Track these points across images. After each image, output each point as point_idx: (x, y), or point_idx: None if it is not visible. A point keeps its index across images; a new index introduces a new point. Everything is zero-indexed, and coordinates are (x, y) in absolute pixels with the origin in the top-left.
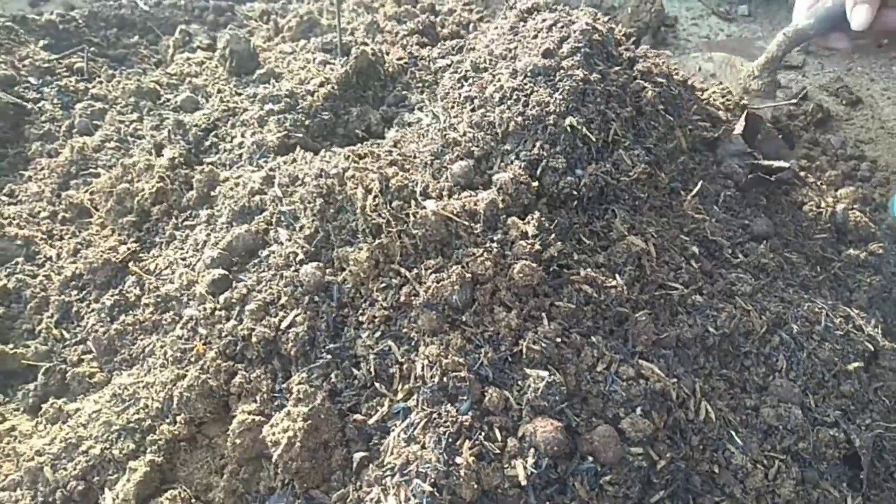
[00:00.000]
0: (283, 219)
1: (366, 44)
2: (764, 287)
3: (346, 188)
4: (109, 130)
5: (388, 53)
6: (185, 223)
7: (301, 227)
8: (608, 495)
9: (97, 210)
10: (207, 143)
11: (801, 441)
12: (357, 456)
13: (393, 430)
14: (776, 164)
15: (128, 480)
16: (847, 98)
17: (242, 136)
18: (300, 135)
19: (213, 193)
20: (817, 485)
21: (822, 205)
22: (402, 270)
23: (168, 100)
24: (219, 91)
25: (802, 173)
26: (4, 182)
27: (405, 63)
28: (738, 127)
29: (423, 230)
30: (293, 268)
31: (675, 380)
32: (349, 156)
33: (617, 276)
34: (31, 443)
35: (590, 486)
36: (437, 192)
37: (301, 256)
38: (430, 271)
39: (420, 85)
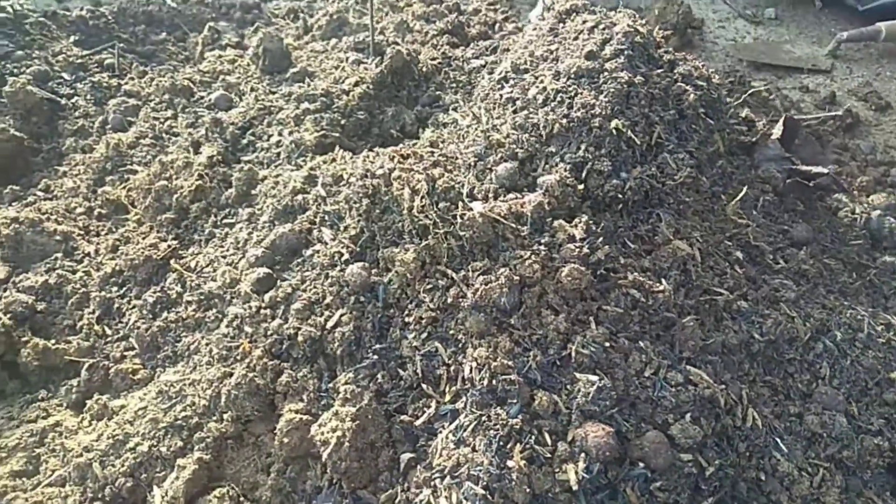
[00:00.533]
0: (327, 218)
1: (399, 44)
2: (805, 293)
3: (392, 189)
4: (144, 127)
5: (420, 53)
6: (225, 221)
7: (346, 227)
8: (658, 501)
9: (134, 206)
10: (244, 142)
11: (845, 449)
12: (404, 457)
13: (441, 432)
14: (815, 169)
15: (176, 478)
16: (876, 103)
17: (280, 134)
18: (336, 134)
19: (252, 192)
20: (861, 493)
21: (857, 211)
22: (449, 272)
23: (202, 97)
24: (252, 89)
25: None
26: (39, 177)
27: (438, 63)
28: (776, 131)
29: (470, 232)
30: (338, 267)
31: (722, 386)
32: (394, 156)
33: (663, 280)
34: (77, 439)
35: (640, 491)
36: (482, 193)
37: (346, 256)
38: (477, 273)
39: (454, 85)
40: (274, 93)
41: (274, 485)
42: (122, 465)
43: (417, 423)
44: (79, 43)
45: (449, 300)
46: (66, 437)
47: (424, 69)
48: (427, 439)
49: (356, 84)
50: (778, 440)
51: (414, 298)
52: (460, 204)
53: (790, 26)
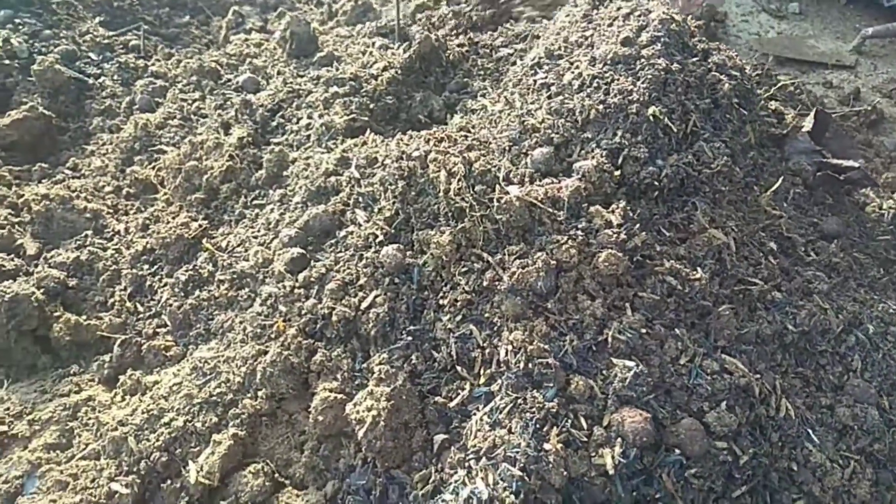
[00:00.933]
0: (360, 200)
1: (429, 30)
2: (836, 286)
3: (428, 171)
4: (172, 108)
5: (447, 40)
6: (255, 202)
7: (380, 209)
8: (693, 488)
9: (163, 186)
10: (274, 124)
11: (876, 442)
12: (438, 438)
13: (475, 414)
14: (846, 163)
15: (212, 453)
16: None
17: (309, 117)
18: (365, 118)
19: (282, 173)
20: (892, 487)
21: (885, 206)
22: (485, 255)
23: (229, 80)
24: (279, 73)
25: None
26: (67, 156)
27: (466, 50)
28: (807, 124)
29: (506, 216)
30: (373, 249)
31: (757, 375)
32: (429, 139)
33: (698, 268)
34: (111, 413)
35: (675, 478)
36: (518, 177)
37: (381, 238)
38: (513, 257)
39: (482, 72)
40: (302, 76)
41: (308, 462)
42: (157, 440)
43: (451, 404)
44: (103, 24)
45: (484, 283)
46: (99, 412)
47: (452, 56)
48: (461, 421)
49: (384, 69)
50: (810, 431)
51: (449, 281)
52: (497, 187)
53: (814, 21)
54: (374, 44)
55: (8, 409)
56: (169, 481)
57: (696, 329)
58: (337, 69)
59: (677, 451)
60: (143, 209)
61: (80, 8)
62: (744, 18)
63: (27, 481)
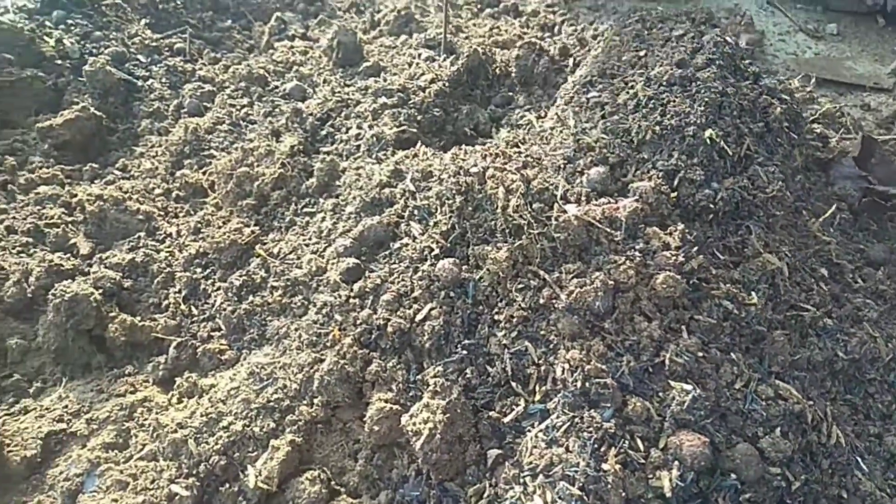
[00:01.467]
0: (416, 213)
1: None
2: (884, 314)
3: (486, 187)
4: (221, 113)
5: (494, 54)
6: (305, 210)
7: (436, 223)
8: None
9: (213, 191)
10: (323, 133)
11: None
12: (492, 453)
13: (529, 431)
14: (892, 189)
15: (270, 458)
16: None
17: (359, 127)
18: (414, 129)
19: (333, 182)
20: None
21: None
22: (541, 273)
23: (276, 87)
24: (325, 81)
25: None
26: (116, 156)
27: (511, 65)
28: (854, 149)
29: (564, 234)
30: (428, 262)
31: (810, 402)
32: (486, 155)
33: (753, 293)
34: (170, 415)
35: (731, 502)
36: (574, 196)
37: (436, 251)
38: (570, 276)
39: (527, 88)
40: (349, 86)
41: (362, 471)
42: (216, 443)
43: (506, 420)
44: (149, 26)
45: (541, 301)
46: (156, 413)
47: (498, 70)
48: (514, 437)
49: (432, 81)
50: (859, 459)
51: (504, 297)
52: (555, 206)
53: (852, 43)
54: (419, 55)
55: (66, 406)
56: (227, 485)
57: (750, 354)
58: (385, 80)
59: (733, 475)
60: (192, 212)
61: (128, 10)
62: (781, 38)
63: (87, 480)
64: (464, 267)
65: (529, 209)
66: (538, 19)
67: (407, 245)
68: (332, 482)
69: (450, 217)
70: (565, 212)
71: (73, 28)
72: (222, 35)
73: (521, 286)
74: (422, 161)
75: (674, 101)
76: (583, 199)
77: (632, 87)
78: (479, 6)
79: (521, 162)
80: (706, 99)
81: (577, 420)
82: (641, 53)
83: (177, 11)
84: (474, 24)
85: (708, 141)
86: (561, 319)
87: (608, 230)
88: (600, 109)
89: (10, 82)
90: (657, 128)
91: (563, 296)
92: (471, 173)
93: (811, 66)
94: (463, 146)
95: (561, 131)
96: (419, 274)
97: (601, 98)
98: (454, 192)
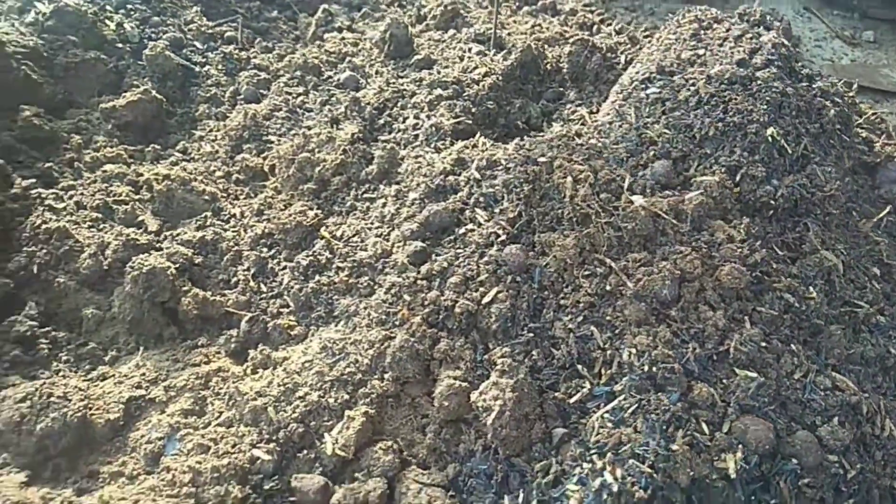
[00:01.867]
0: (482, 200)
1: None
2: None
3: (553, 177)
4: (277, 101)
5: (545, 50)
6: (365, 195)
7: (502, 210)
8: (805, 497)
9: (273, 175)
10: (381, 122)
11: None
12: (557, 431)
13: (594, 412)
14: None
15: (347, 427)
16: None
17: (416, 118)
18: (469, 121)
19: (392, 169)
20: None
21: None
22: (608, 261)
23: (329, 76)
24: (377, 72)
25: None
26: (175, 139)
27: (561, 61)
28: None
29: (631, 224)
30: (495, 247)
31: (865, 394)
32: (553, 145)
33: (810, 287)
34: (247, 385)
35: (791, 486)
36: (639, 188)
37: (502, 237)
38: (637, 264)
39: (578, 83)
40: (401, 77)
41: (430, 444)
42: (294, 412)
43: (571, 401)
44: (201, 14)
45: (607, 287)
46: (233, 383)
47: (549, 66)
48: (579, 417)
49: (485, 75)
50: None
51: (570, 283)
52: (623, 196)
53: (889, 50)
54: (470, 49)
55: (144, 374)
56: (305, 451)
57: (808, 346)
58: (439, 72)
59: (794, 460)
60: (252, 195)
61: None
62: (817, 44)
63: (167, 443)
64: (530, 253)
65: (597, 199)
66: (577, 18)
67: (472, 231)
68: (404, 453)
69: (516, 205)
70: (632, 202)
71: (132, 13)
72: (269, 25)
73: (587, 273)
74: (484, 150)
75: (735, 100)
76: (647, 190)
77: (693, 85)
78: (517, 3)
79: (587, 153)
80: (767, 98)
81: (644, 402)
82: (700, 52)
83: (226, 0)
84: (514, 21)
85: (769, 139)
86: (628, 306)
87: (674, 221)
88: (661, 105)
89: (75, 63)
90: (720, 124)
91: (629, 283)
92: (538, 163)
93: (847, 73)
94: (529, 136)
95: (620, 125)
96: (485, 258)
97: (661, 94)
98: (522, 180)
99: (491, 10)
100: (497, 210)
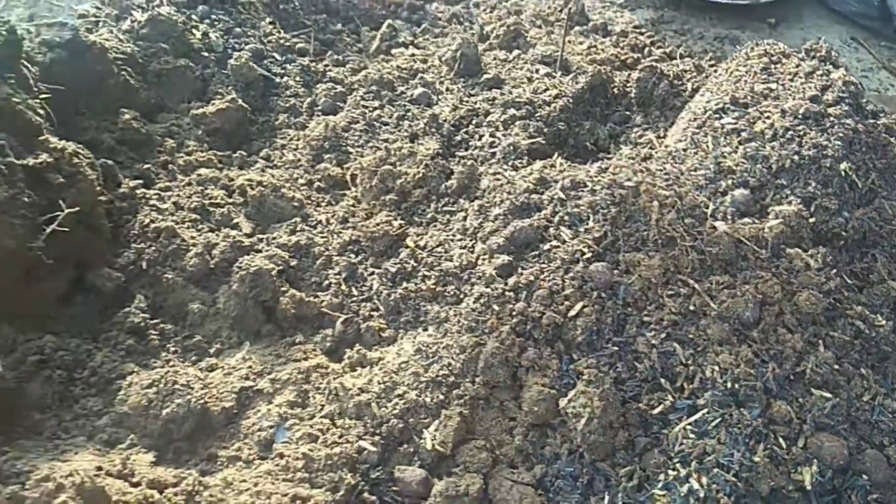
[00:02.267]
0: (566, 218)
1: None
2: None
3: (639, 200)
4: (355, 113)
5: (613, 74)
6: (445, 208)
7: (587, 229)
8: None
9: (354, 185)
10: (458, 138)
11: None
12: (641, 440)
13: (676, 423)
14: None
15: (444, 426)
16: None
17: (492, 136)
18: (543, 141)
19: (471, 185)
20: None
21: None
22: (691, 282)
23: (402, 91)
24: (447, 89)
25: None
26: (258, 146)
27: (629, 86)
28: None
29: (715, 248)
30: (580, 264)
31: None
32: (637, 170)
33: (878, 315)
34: (350, 381)
35: (861, 500)
36: (720, 214)
37: (588, 255)
38: (721, 287)
39: (644, 108)
40: (472, 95)
41: (518, 445)
42: (394, 409)
43: (654, 412)
44: (272, 25)
45: (690, 307)
46: (333, 378)
47: (616, 90)
48: (660, 427)
49: (556, 96)
50: None
51: (654, 301)
52: (706, 222)
53: None
54: (537, 70)
55: (251, 367)
56: (405, 445)
57: (876, 370)
58: (510, 93)
59: (864, 476)
60: (333, 203)
61: (260, 9)
62: (864, 74)
63: (277, 431)
64: (615, 271)
65: (682, 223)
66: (628, 40)
67: (557, 247)
68: (495, 452)
69: (602, 225)
70: (715, 228)
71: (216, 23)
72: (334, 38)
73: (671, 293)
74: (564, 171)
75: (809, 134)
76: (728, 217)
77: (768, 118)
78: (570, 23)
79: (670, 179)
80: (840, 134)
81: (727, 417)
82: (772, 86)
83: (295, 12)
84: (569, 42)
85: (842, 173)
86: (711, 326)
87: (755, 248)
88: (736, 136)
89: (167, 70)
90: (795, 157)
91: (713, 304)
92: (625, 186)
93: (893, 104)
94: (611, 160)
95: (696, 153)
96: (571, 274)
97: (737, 125)
98: (609, 202)
99: (549, 30)
100: (582, 229)
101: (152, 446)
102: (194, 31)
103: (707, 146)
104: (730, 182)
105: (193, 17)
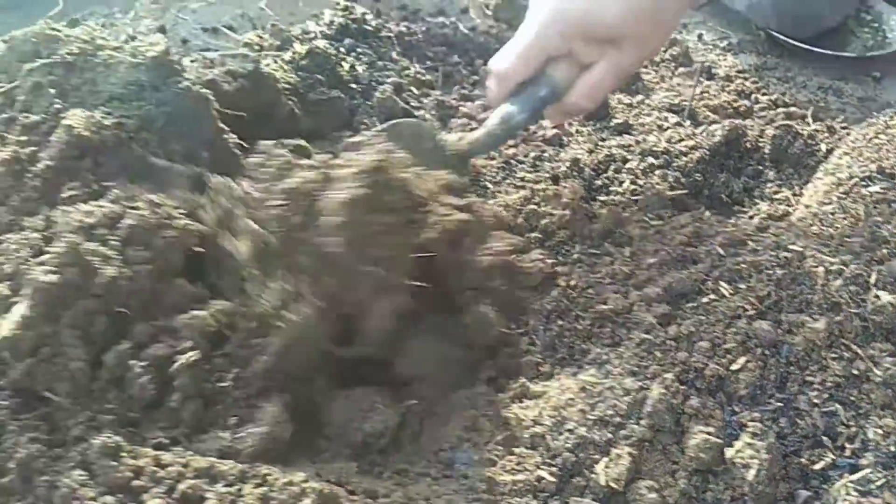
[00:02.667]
0: (726, 275)
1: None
2: None
3: (804, 264)
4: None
5: (747, 128)
6: (590, 251)
7: (750, 287)
8: None
9: None
10: (598, 183)
11: None
12: (802, 493)
13: (837, 480)
14: None
15: (615, 463)
16: None
17: (633, 183)
18: (684, 191)
19: (616, 230)
20: None
21: None
22: (854, 347)
23: (535, 131)
24: (577, 131)
25: None
26: None
27: (762, 141)
28: None
29: (879, 317)
30: (743, 320)
31: None
32: (801, 234)
33: None
34: (519, 412)
35: None
36: (881, 284)
37: (751, 312)
38: (884, 354)
39: (777, 165)
40: (603, 140)
41: (683, 489)
42: (566, 442)
43: (815, 467)
44: (405, 57)
45: (854, 371)
46: (503, 408)
47: (748, 145)
48: (820, 483)
49: (693, 148)
50: None
51: (817, 362)
52: (871, 291)
53: None
54: (666, 118)
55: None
56: (577, 478)
57: None
58: (644, 140)
59: None
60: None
61: (395, 42)
62: None
63: (457, 454)
64: (778, 330)
65: (847, 290)
66: (734, 85)
67: (717, 301)
68: (663, 493)
69: (766, 284)
70: (879, 297)
71: (361, 56)
72: (452, 69)
73: (834, 356)
74: (716, 227)
75: None
76: (887, 286)
77: None
78: (674, 65)
79: (832, 245)
80: None
81: (890, 478)
82: None
83: (418, 44)
84: (678, 85)
85: None
86: (875, 390)
87: None
88: (888, 206)
89: (322, 100)
90: None
91: (876, 370)
92: (790, 250)
93: None
94: (759, 215)
95: (845, 218)
96: (733, 329)
97: (887, 196)
98: (774, 264)
99: (657, 71)
100: (743, 286)
101: (350, 457)
102: (343, 63)
103: (858, 213)
104: (885, 251)
105: (341, 49)
